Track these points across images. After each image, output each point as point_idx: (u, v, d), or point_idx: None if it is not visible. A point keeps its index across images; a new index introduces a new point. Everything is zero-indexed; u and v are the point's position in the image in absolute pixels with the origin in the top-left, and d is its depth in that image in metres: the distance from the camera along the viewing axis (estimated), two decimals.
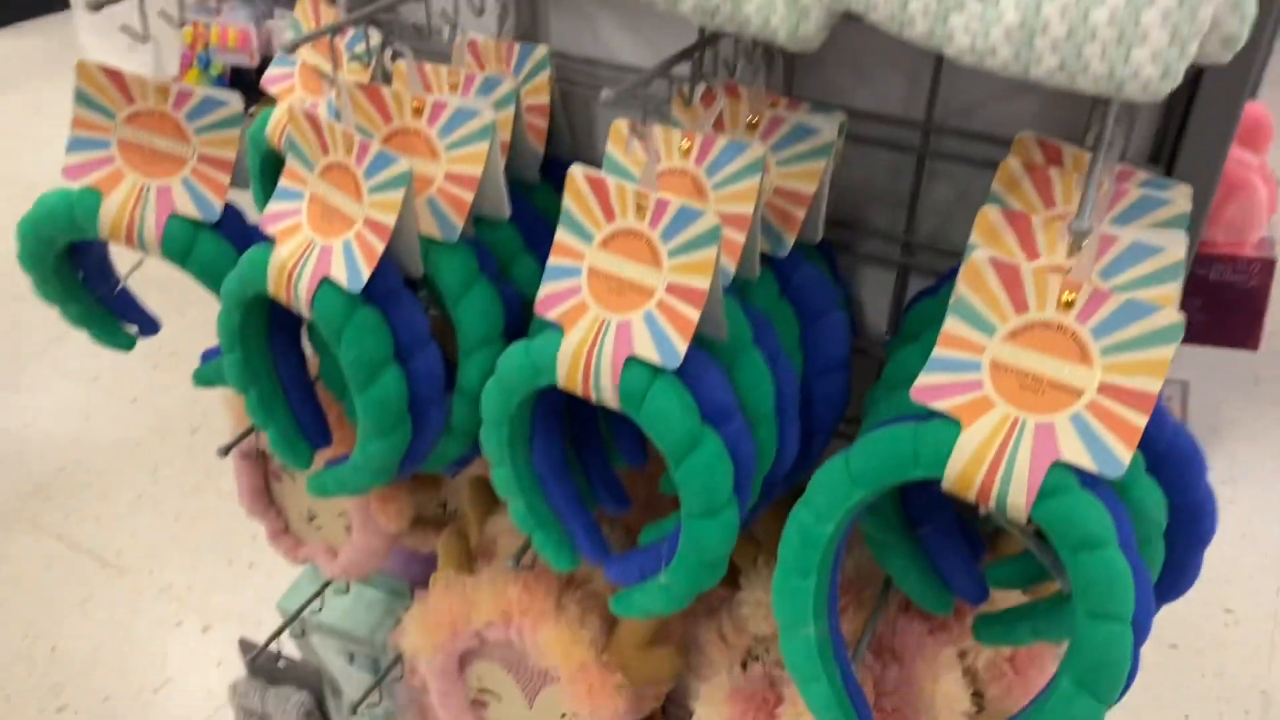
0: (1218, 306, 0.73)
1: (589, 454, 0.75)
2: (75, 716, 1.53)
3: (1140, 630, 0.53)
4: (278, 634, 1.01)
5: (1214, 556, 1.80)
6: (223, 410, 2.20)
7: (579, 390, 0.61)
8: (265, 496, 0.99)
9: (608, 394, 0.60)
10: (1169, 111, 0.64)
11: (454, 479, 1.00)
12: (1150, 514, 0.56)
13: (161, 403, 2.14)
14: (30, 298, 2.70)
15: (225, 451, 0.86)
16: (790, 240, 0.68)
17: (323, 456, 0.79)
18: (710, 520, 0.60)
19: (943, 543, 0.68)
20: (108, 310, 0.86)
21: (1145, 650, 1.86)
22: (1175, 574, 0.60)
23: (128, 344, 0.87)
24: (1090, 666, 0.51)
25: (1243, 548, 1.87)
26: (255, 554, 1.80)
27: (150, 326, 0.88)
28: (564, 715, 0.84)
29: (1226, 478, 2.04)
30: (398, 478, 0.74)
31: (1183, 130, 0.63)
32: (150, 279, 2.73)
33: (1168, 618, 1.77)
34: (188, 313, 2.41)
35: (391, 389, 0.67)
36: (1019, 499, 0.52)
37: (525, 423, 0.67)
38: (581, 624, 0.78)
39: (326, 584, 1.06)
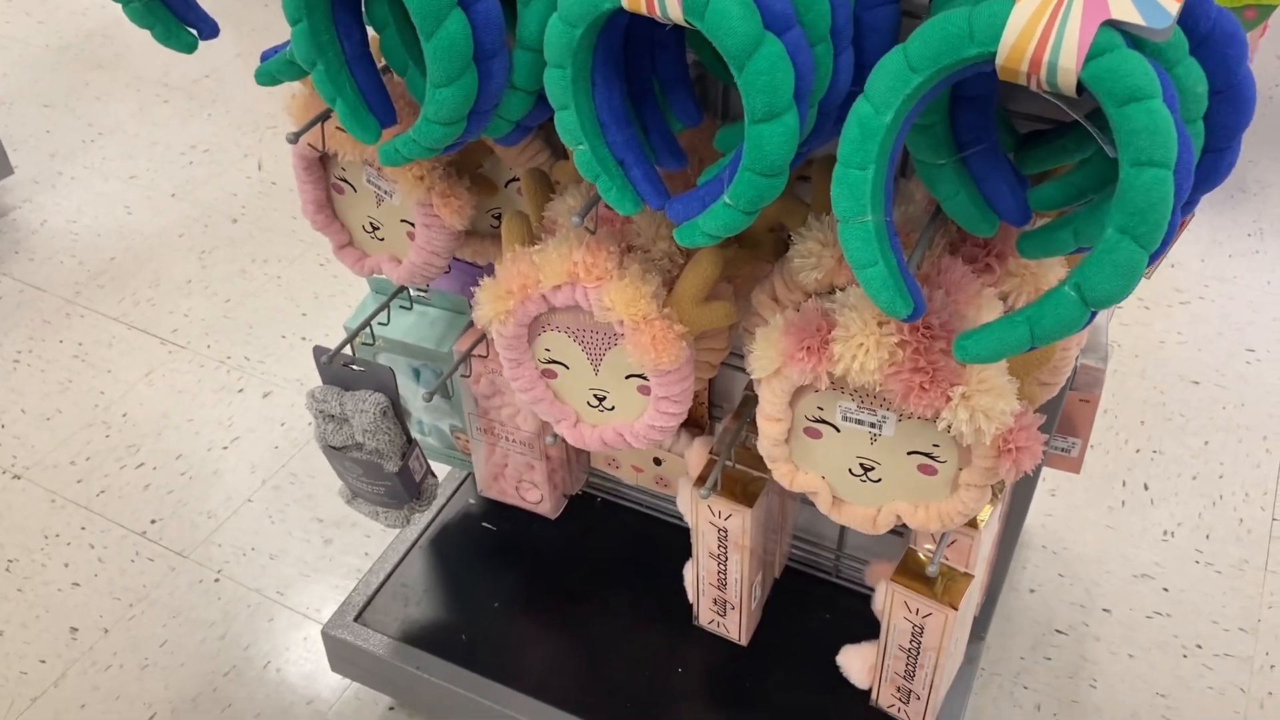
0: None
1: (647, 114, 0.78)
2: (153, 471, 1.62)
3: (1180, 188, 0.56)
4: (351, 339, 1.07)
5: (1238, 301, 1.84)
6: (259, 203, 2.24)
7: (643, 7, 0.63)
8: (329, 209, 1.03)
9: (671, 6, 0.62)
10: None
11: (506, 189, 1.04)
12: (1193, 90, 0.59)
13: (200, 195, 2.18)
14: (60, 104, 2.74)
15: (295, 137, 0.90)
16: None
17: (388, 134, 0.82)
18: (773, 124, 0.63)
19: (988, 166, 0.71)
20: (168, 9, 0.87)
21: (1167, 384, 1.93)
22: (1215, 158, 0.63)
23: (190, 45, 0.89)
24: (1134, 212, 0.55)
25: (1266, 293, 1.91)
26: (306, 328, 1.87)
27: (210, 29, 0.90)
28: (628, 376, 0.90)
29: (1254, 230, 2.06)
30: (464, 137, 0.78)
31: None
32: (177, 87, 2.75)
33: (1190, 359, 1.84)
34: (215, 116, 2.44)
35: (457, 32, 0.70)
36: (1069, 62, 0.55)
37: (586, 64, 0.70)
38: (643, 280, 0.83)
39: (395, 293, 1.12)
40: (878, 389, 0.76)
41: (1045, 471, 1.62)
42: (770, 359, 0.80)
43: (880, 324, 0.74)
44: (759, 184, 0.66)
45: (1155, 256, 0.58)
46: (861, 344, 0.74)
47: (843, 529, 1.25)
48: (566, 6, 0.66)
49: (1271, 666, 1.36)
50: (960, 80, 0.62)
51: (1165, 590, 1.45)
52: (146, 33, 0.87)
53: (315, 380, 1.76)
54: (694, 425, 1.20)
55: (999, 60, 0.57)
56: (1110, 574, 1.47)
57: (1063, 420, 1.09)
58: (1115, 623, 1.42)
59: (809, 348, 0.77)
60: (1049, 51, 0.55)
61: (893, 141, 0.62)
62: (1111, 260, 0.57)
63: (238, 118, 2.41)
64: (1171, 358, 1.79)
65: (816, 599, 1.25)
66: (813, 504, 1.21)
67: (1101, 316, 1.14)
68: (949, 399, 0.74)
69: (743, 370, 1.15)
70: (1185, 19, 0.61)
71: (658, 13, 0.63)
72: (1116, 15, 0.54)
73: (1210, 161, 0.63)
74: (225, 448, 1.66)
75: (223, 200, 2.17)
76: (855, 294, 0.76)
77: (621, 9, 0.65)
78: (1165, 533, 1.52)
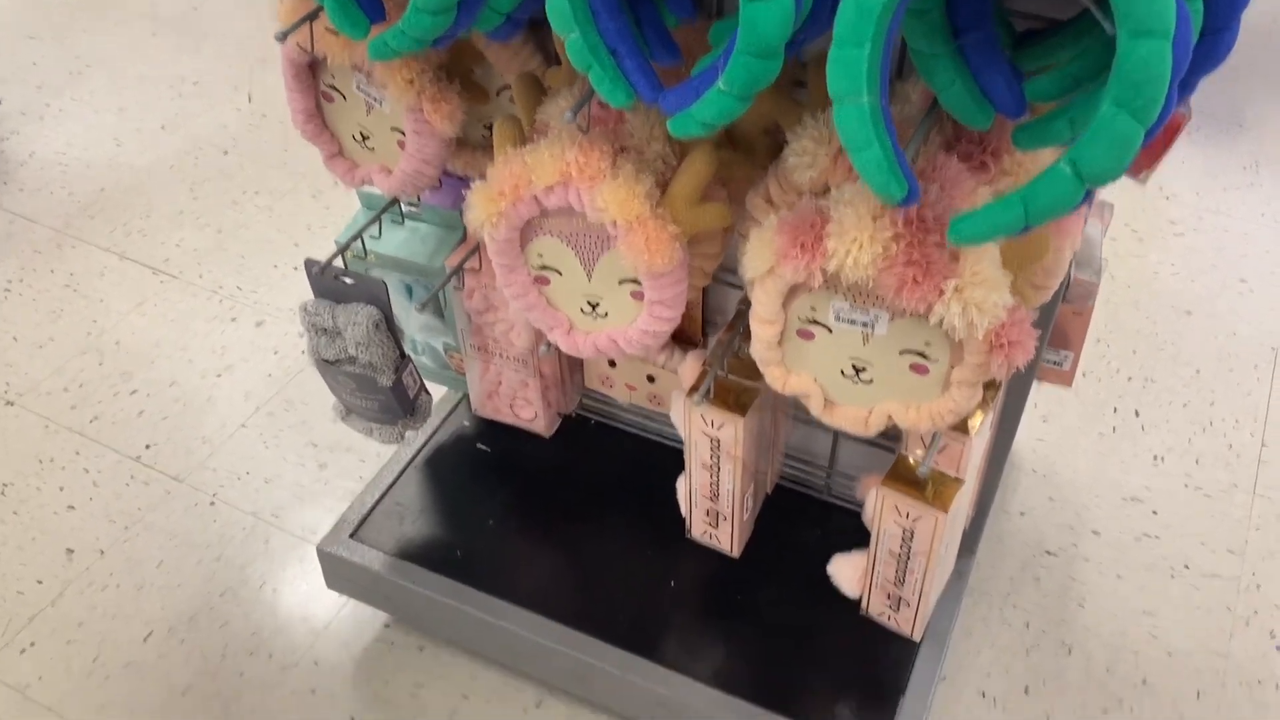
0: None
1: (641, 8, 0.77)
2: (147, 398, 1.62)
3: (1178, 62, 0.56)
4: (342, 250, 1.06)
5: (1233, 233, 1.84)
6: (250, 135, 2.22)
7: None
8: (318, 118, 1.02)
9: None
10: None
11: (497, 98, 1.03)
12: None
13: (190, 129, 2.16)
14: (46, 36, 2.70)
15: (283, 36, 0.88)
16: None
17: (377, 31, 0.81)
18: (767, 1, 0.62)
19: (984, 55, 0.70)
20: None
21: (1160, 314, 1.93)
22: (1213, 39, 0.62)
23: None
24: (1131, 84, 0.55)
25: (1261, 225, 1.90)
26: (298, 259, 1.86)
27: None
28: (621, 281, 0.89)
29: (1250, 164, 2.05)
30: (454, 29, 0.77)
31: None
32: (164, 20, 2.71)
33: (1183, 289, 1.84)
34: (204, 49, 2.41)
35: None
36: None
37: None
38: (636, 180, 0.82)
39: (387, 205, 1.11)
40: (871, 285, 0.76)
41: (1036, 397, 1.63)
42: (764, 258, 0.79)
43: (874, 219, 0.74)
44: (753, 66, 0.65)
45: (1151, 133, 0.58)
46: (855, 239, 0.74)
47: (834, 447, 1.25)
48: None
49: (1258, 586, 1.38)
50: None
51: (1155, 513, 1.46)
52: None
53: None
54: (687, 343, 1.20)
55: None
56: (1100, 498, 1.48)
57: (1055, 332, 1.09)
58: (1104, 544, 1.43)
59: (803, 244, 0.77)
60: None
61: (889, 22, 0.61)
62: (1107, 134, 0.56)
63: (227, 51, 2.38)
64: (1165, 289, 1.80)
65: (808, 516, 1.26)
66: (805, 420, 1.21)
67: (1095, 230, 1.13)
68: (942, 293, 0.74)
69: (736, 286, 1.15)
70: None
71: None
72: None
73: (1209, 43, 0.63)
74: (219, 375, 1.66)
75: (213, 133, 2.15)
76: (850, 190, 0.76)
77: None
78: (1155, 458, 1.53)
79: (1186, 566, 1.40)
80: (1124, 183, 0.89)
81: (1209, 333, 1.72)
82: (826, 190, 0.80)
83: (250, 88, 2.27)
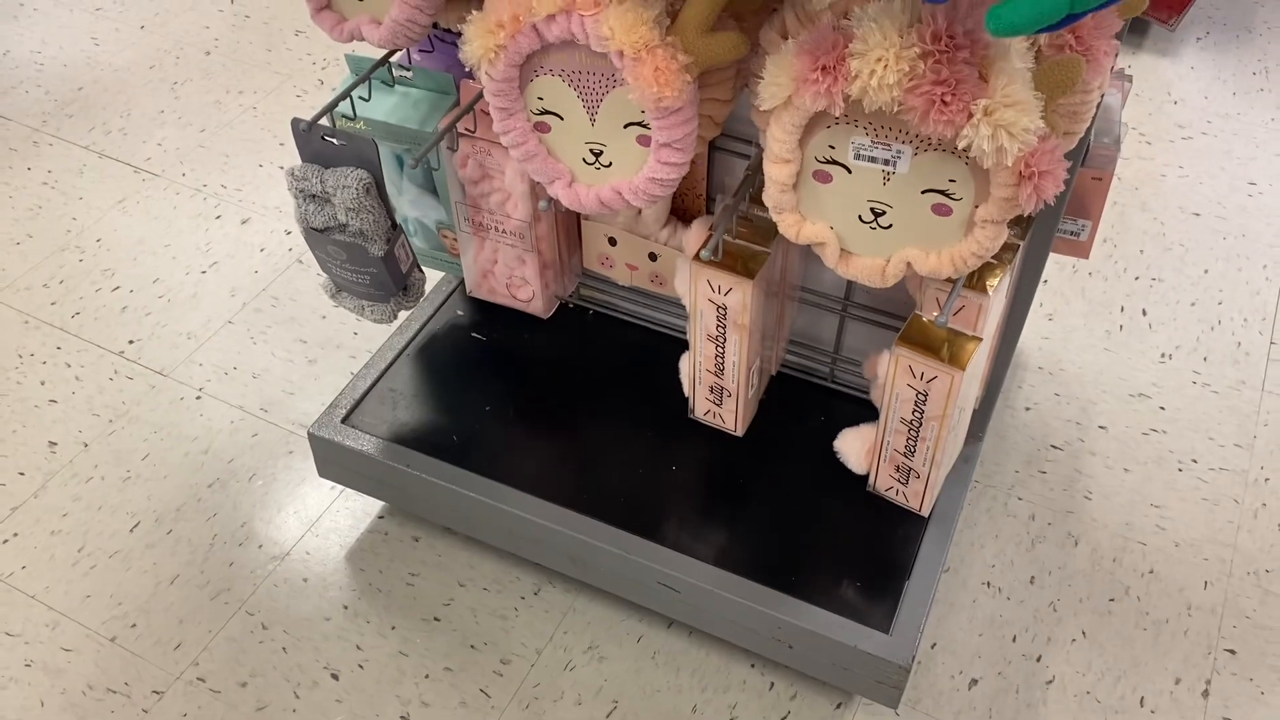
0: None
1: None
2: (129, 294, 1.57)
3: None
4: (331, 107, 1.01)
5: (1241, 136, 1.79)
6: (232, 36, 2.15)
7: None
8: None
9: None
10: None
11: None
12: None
13: (171, 29, 2.08)
14: None
15: None
16: None
17: None
18: None
19: None
20: None
21: (1168, 215, 1.90)
22: None
23: None
24: None
25: (1270, 129, 1.86)
26: (284, 157, 1.80)
27: None
28: (627, 125, 0.85)
29: (1259, 70, 2.00)
30: None
31: None
32: None
33: (1191, 191, 1.81)
34: None
35: None
36: None
37: None
38: (644, 5, 0.77)
39: (379, 62, 1.06)
40: (896, 108, 0.72)
41: (1042, 295, 1.59)
42: (782, 85, 0.75)
43: (901, 35, 0.70)
44: None
45: None
46: (880, 58, 0.70)
47: (840, 331, 1.22)
48: None
49: (1266, 480, 1.36)
50: None
51: (1162, 409, 1.44)
52: None
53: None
54: (690, 219, 1.16)
55: None
56: (1107, 394, 1.46)
57: (1074, 200, 1.05)
58: (1111, 439, 1.40)
59: (824, 67, 0.72)
60: None
61: None
62: None
63: None
64: (1172, 190, 1.76)
65: (812, 402, 1.23)
66: (812, 304, 1.18)
67: (1114, 99, 1.09)
68: (970, 115, 0.70)
69: (743, 155, 1.11)
70: None
71: None
72: None
73: None
74: (204, 272, 1.61)
75: (194, 33, 2.08)
76: (875, 7, 0.72)
77: None
78: (1163, 355, 1.51)
79: (1194, 460, 1.38)
80: (1134, 85, 0.83)
81: (1217, 234, 1.68)
82: (846, 18, 0.76)
83: None
